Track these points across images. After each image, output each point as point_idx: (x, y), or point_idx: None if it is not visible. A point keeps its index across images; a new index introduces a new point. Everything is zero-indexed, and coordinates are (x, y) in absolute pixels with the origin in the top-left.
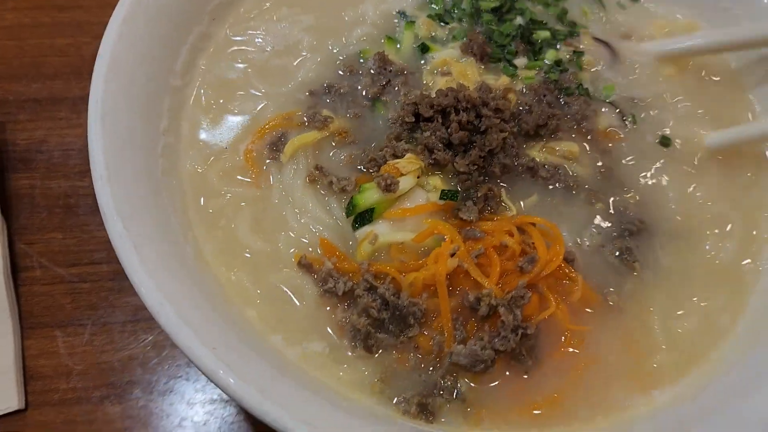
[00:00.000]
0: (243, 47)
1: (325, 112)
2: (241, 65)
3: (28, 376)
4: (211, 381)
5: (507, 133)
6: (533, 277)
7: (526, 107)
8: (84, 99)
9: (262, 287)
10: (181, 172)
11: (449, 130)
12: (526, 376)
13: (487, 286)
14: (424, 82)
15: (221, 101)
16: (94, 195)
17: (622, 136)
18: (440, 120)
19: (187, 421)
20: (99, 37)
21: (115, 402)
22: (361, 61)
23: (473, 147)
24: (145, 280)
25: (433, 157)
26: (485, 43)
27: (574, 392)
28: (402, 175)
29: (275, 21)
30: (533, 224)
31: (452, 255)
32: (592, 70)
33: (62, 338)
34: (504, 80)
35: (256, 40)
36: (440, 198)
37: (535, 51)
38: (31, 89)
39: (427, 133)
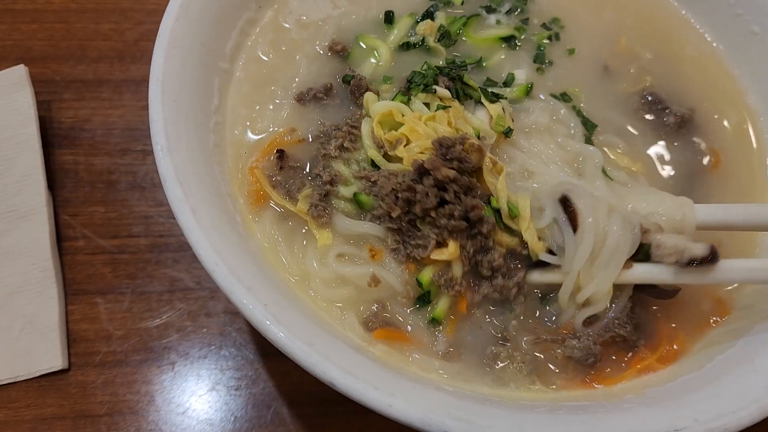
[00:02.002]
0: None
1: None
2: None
3: (71, 338)
4: (262, 334)
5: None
6: None
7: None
8: (126, 81)
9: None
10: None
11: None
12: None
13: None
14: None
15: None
16: (134, 172)
17: None
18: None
19: (220, 385)
20: (140, 23)
21: (152, 365)
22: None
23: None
24: (201, 240)
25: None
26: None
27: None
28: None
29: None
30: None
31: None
32: None
33: (103, 305)
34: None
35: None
36: None
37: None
38: (77, 70)
39: (444, 220)
